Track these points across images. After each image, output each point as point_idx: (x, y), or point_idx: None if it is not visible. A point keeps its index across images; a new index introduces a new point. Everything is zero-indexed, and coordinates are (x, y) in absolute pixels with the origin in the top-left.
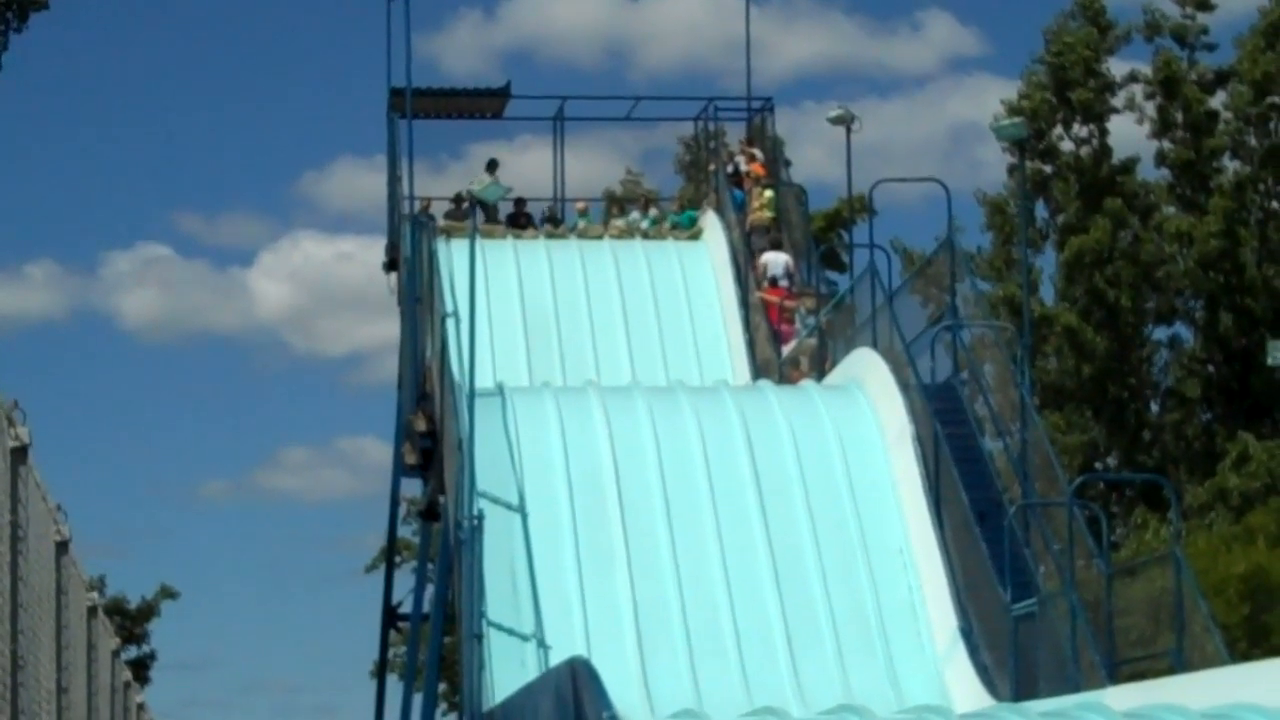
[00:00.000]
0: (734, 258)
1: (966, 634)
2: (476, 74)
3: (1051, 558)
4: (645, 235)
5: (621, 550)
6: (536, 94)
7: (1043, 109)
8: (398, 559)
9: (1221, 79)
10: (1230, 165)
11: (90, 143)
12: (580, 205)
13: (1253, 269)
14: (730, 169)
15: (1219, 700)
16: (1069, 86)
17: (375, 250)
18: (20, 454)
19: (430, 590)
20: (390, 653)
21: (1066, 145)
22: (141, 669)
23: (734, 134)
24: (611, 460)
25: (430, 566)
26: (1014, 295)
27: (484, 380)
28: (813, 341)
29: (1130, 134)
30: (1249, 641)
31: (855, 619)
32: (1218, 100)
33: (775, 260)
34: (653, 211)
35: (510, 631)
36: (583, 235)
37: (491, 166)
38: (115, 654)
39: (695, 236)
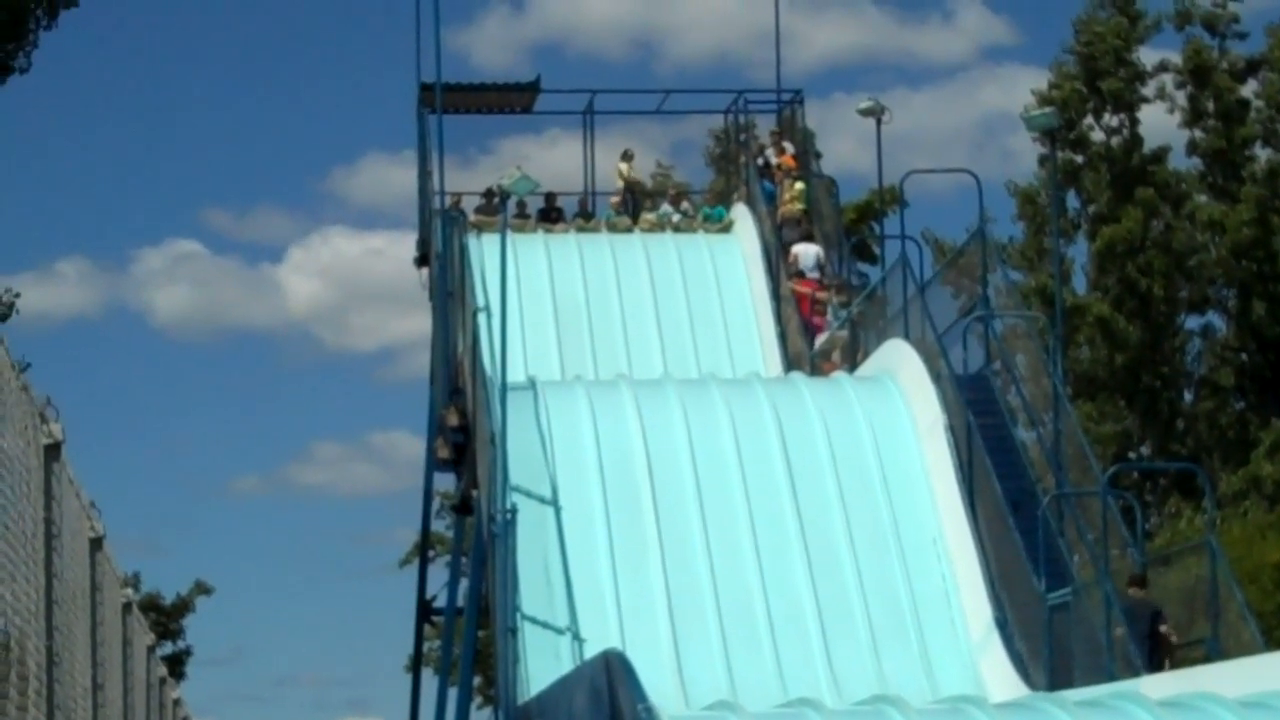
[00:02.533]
0: (765, 250)
1: (1001, 624)
2: (505, 67)
3: (1085, 547)
4: (676, 228)
5: (655, 542)
6: (565, 87)
7: (1073, 99)
8: (431, 553)
9: (1252, 67)
10: (1262, 154)
11: (120, 139)
12: (615, 200)
13: None
14: (761, 161)
15: (1254, 688)
16: (1099, 76)
17: (405, 245)
18: (54, 451)
19: (464, 584)
20: (425, 647)
21: (1097, 135)
22: (177, 665)
23: (764, 126)
24: (644, 453)
25: (464, 560)
26: (1046, 285)
27: (516, 374)
28: (844, 333)
29: (1161, 123)
30: None
31: (889, 609)
32: (1249, 89)
33: (806, 252)
34: (684, 205)
35: (544, 625)
36: (613, 228)
37: (627, 156)
38: (150, 650)
39: (726, 229)
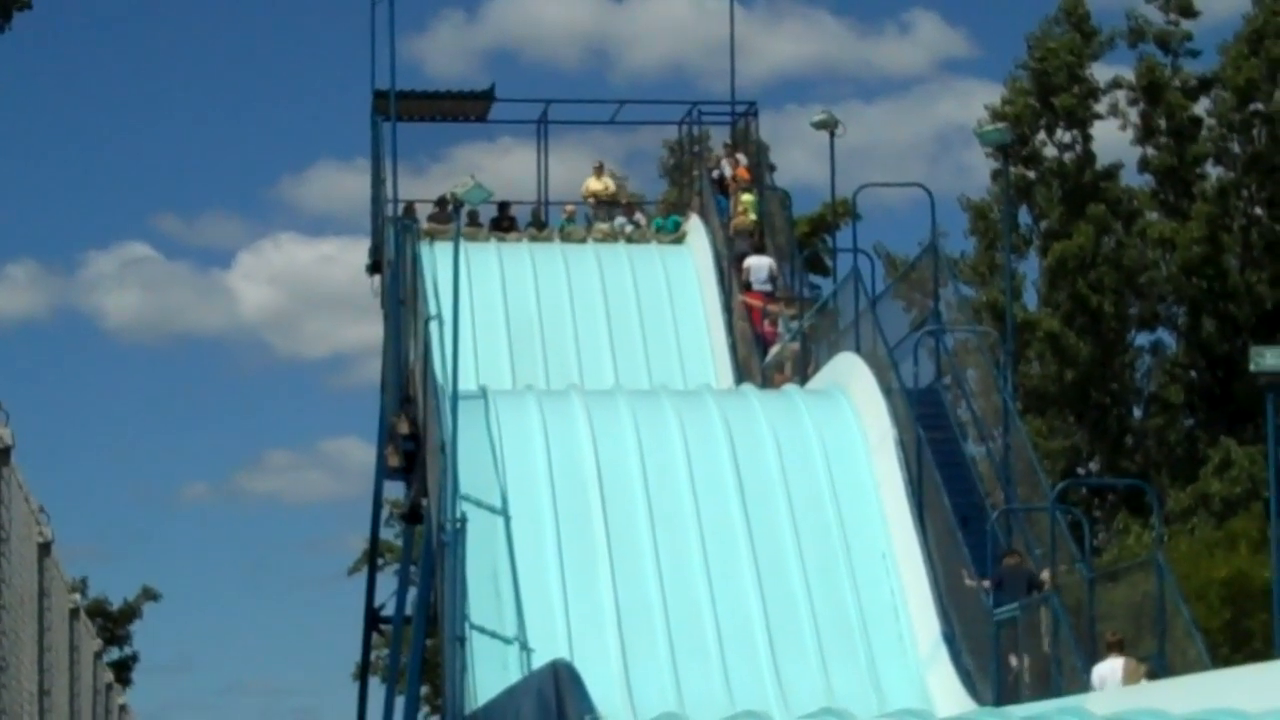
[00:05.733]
0: (718, 262)
1: (949, 638)
2: (459, 75)
3: (1034, 562)
4: (629, 239)
5: (604, 553)
6: (519, 95)
7: (1026, 114)
8: (380, 561)
9: (1205, 85)
10: (1213, 171)
11: (71, 142)
12: (569, 209)
13: (1235, 275)
14: (716, 174)
15: (1200, 705)
16: (1052, 92)
17: (357, 252)
18: (3, 455)
19: (413, 593)
20: (373, 655)
21: (1050, 151)
22: (123, 671)
23: (718, 137)
24: (594, 463)
25: (413, 569)
26: (997, 300)
27: (467, 383)
28: (796, 346)
29: (1113, 140)
30: (1230, 647)
31: (838, 622)
32: (1201, 106)
33: (758, 264)
34: (638, 216)
35: (493, 634)
36: (566, 238)
37: (598, 170)
38: (97, 656)
39: (679, 240)
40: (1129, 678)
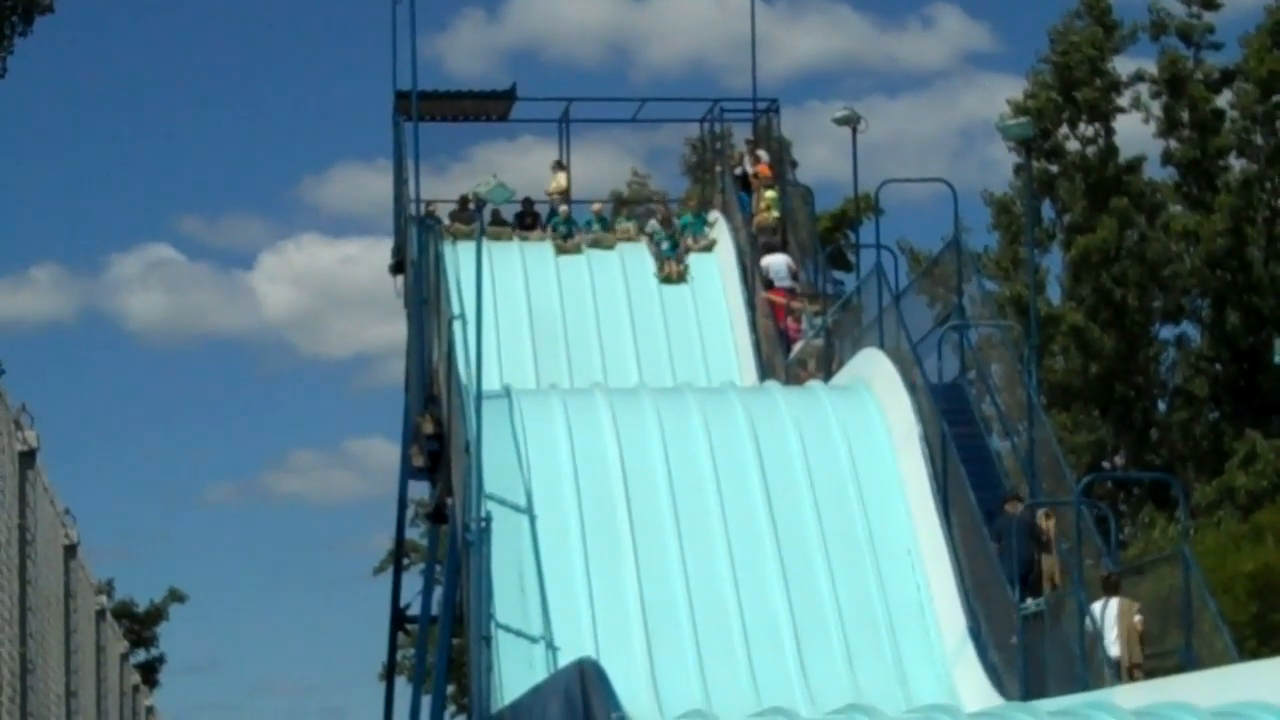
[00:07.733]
0: (741, 259)
1: (975, 633)
2: (479, 74)
3: (1060, 557)
4: (666, 279)
5: (629, 551)
6: (540, 94)
7: (1049, 108)
8: (406, 561)
9: (1227, 78)
10: (1236, 164)
11: (94, 145)
12: (596, 207)
13: (1259, 267)
14: (739, 171)
15: (1228, 699)
16: (1075, 86)
17: (380, 252)
18: (28, 458)
19: (438, 592)
20: (398, 655)
21: (1073, 145)
22: (150, 672)
23: (740, 134)
24: (619, 462)
25: (438, 568)
26: (1021, 295)
27: (491, 382)
28: (819, 342)
29: (1136, 133)
30: (1257, 640)
31: (864, 619)
32: (1224, 99)
33: (776, 262)
34: (677, 209)
35: (518, 633)
36: (596, 245)
37: (561, 166)
38: (124, 657)
39: (709, 249)
40: (1123, 616)
